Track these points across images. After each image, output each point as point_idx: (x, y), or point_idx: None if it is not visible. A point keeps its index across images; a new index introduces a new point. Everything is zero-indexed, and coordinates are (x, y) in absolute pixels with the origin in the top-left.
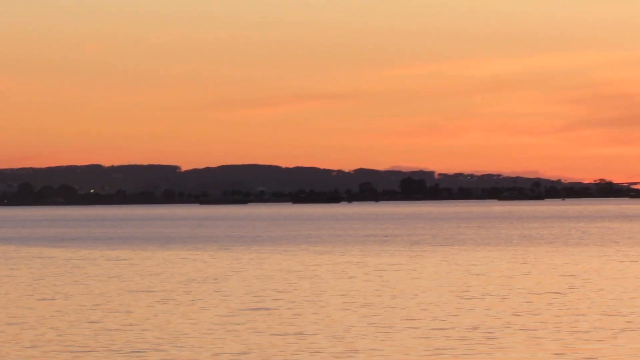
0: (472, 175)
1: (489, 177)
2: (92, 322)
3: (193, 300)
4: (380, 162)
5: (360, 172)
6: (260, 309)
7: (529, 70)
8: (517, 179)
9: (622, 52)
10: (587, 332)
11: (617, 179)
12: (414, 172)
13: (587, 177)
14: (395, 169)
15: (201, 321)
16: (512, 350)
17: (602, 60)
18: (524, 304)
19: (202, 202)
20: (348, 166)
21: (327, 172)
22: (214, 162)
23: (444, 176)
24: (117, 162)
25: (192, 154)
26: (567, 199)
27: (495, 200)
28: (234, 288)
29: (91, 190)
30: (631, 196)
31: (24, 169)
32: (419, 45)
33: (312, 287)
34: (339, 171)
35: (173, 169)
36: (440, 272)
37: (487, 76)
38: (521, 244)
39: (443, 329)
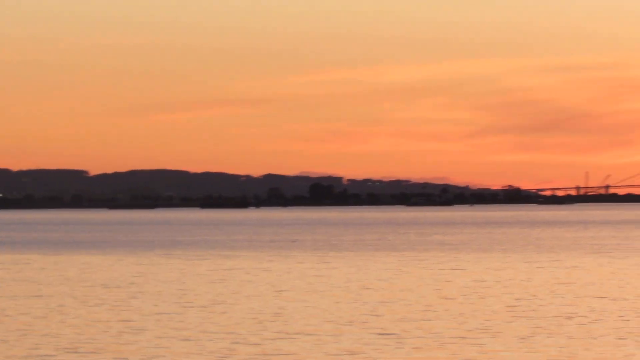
0: (380, 181)
1: (398, 182)
2: None
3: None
4: (289, 167)
5: (269, 177)
6: (158, 313)
7: (438, 77)
8: (425, 185)
9: (530, 59)
10: (495, 336)
11: (525, 185)
12: (322, 178)
13: (495, 183)
14: (304, 175)
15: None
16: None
17: (510, 67)
18: (425, 309)
19: (110, 207)
20: (256, 171)
21: (235, 178)
22: (123, 166)
23: (353, 182)
24: (25, 167)
25: (101, 158)
26: (475, 205)
27: (404, 206)
28: (134, 293)
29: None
30: (539, 202)
31: None
32: (329, 51)
33: (213, 291)
34: (248, 176)
35: (82, 174)
36: (345, 277)
37: (396, 82)
38: (428, 250)
39: (336, 334)
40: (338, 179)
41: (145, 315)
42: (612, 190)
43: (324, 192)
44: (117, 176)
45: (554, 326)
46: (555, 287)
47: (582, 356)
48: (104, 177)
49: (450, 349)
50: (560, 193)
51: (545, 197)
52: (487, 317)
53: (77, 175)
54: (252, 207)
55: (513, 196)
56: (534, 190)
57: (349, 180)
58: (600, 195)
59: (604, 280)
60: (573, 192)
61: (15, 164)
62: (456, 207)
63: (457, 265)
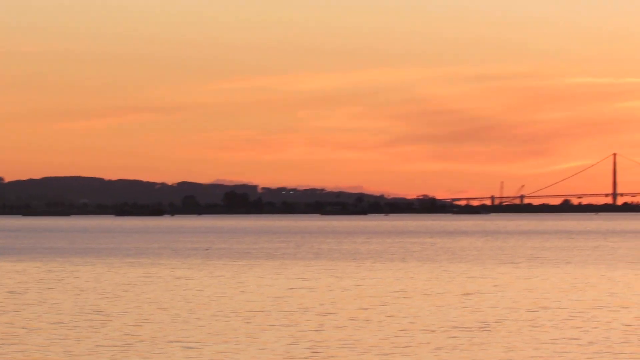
0: (295, 190)
1: (312, 191)
2: None
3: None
4: (204, 175)
5: (184, 185)
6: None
7: (353, 86)
8: (340, 194)
9: (446, 68)
10: (406, 346)
11: (440, 195)
12: (237, 186)
13: (410, 192)
14: (219, 183)
15: None
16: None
17: (426, 76)
18: (341, 318)
19: (25, 214)
20: (171, 179)
21: (150, 185)
22: (38, 173)
23: (267, 190)
24: None
25: (15, 165)
26: (390, 214)
27: (319, 215)
28: (38, 299)
29: None
30: (454, 212)
31: None
32: (244, 59)
33: (119, 300)
34: (162, 184)
35: None
36: (260, 284)
37: (312, 91)
38: (342, 259)
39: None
40: (253, 188)
41: (42, 322)
42: (526, 201)
43: (238, 200)
44: (31, 183)
45: (464, 336)
46: (463, 297)
47: None
48: (18, 184)
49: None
50: (475, 203)
51: (460, 206)
52: (401, 326)
53: None
54: (167, 215)
55: (428, 206)
56: (448, 200)
57: (263, 188)
58: (515, 205)
59: (514, 290)
60: (488, 202)
61: None
62: (371, 216)
63: (372, 274)
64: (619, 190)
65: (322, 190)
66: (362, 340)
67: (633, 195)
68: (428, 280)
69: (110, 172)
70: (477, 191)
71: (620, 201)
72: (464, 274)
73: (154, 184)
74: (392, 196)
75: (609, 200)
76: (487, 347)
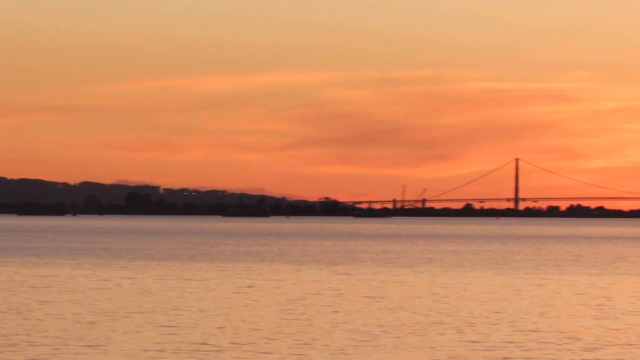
0: (197, 191)
1: (214, 193)
2: None
3: None
4: (106, 175)
5: (86, 185)
6: None
7: (255, 88)
8: (242, 196)
9: (348, 72)
10: (311, 346)
11: (342, 197)
12: (139, 187)
13: (312, 195)
14: (121, 183)
15: None
16: None
17: (328, 79)
18: (248, 319)
19: None
20: (73, 179)
21: (52, 185)
22: None
23: (169, 191)
24: None
25: None
26: (292, 217)
27: (220, 217)
28: None
29: None
30: (355, 215)
31: None
32: (146, 61)
33: (16, 298)
34: (65, 184)
35: None
36: (154, 286)
37: (214, 93)
38: (243, 261)
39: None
40: (155, 188)
41: None
42: (428, 204)
43: (140, 201)
44: None
45: (363, 337)
46: (365, 300)
47: None
48: None
49: None
50: (376, 206)
51: (361, 210)
52: (301, 328)
53: None
54: (69, 215)
55: (330, 208)
56: (350, 203)
57: (165, 189)
58: (417, 209)
59: (413, 294)
60: (389, 206)
61: None
62: (273, 218)
63: (274, 276)
64: (520, 195)
65: (224, 192)
66: (237, 343)
67: (534, 200)
68: (319, 283)
69: (12, 171)
70: (379, 195)
71: (522, 206)
72: (367, 277)
73: (56, 183)
74: (294, 198)
75: (510, 205)
76: (373, 351)
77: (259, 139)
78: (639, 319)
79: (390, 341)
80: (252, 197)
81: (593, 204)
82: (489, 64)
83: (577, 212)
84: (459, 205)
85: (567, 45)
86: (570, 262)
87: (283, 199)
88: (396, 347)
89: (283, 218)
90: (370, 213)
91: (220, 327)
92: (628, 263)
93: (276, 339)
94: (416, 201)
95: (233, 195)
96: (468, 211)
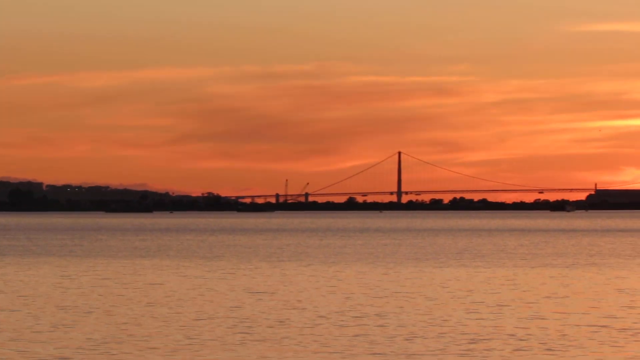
0: (80, 187)
1: (97, 188)
2: None
3: None
4: None
5: None
6: None
7: (138, 83)
8: (125, 191)
9: (230, 67)
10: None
11: (225, 192)
12: (22, 183)
13: (195, 190)
14: (4, 180)
15: None
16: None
17: (210, 74)
18: (130, 314)
19: None
20: None
21: None
22: None
23: (52, 187)
24: None
25: None
26: (175, 212)
27: (103, 212)
28: None
29: None
30: (239, 210)
31: None
32: (28, 57)
33: None
34: None
35: None
36: (46, 283)
37: (96, 88)
38: (127, 256)
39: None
40: (38, 185)
41: None
42: (311, 199)
43: (23, 197)
44: None
45: (226, 333)
46: (253, 295)
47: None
48: None
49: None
50: (260, 200)
51: (244, 204)
52: (184, 323)
53: None
54: None
55: (213, 203)
56: (233, 198)
57: (48, 186)
58: (300, 203)
59: (294, 287)
60: (273, 200)
61: None
62: (156, 213)
63: (154, 272)
64: (403, 189)
65: (107, 187)
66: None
67: (417, 193)
68: (196, 279)
69: None
70: (262, 189)
71: (404, 199)
72: (251, 272)
73: None
74: (177, 194)
75: (393, 198)
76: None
77: (142, 134)
78: (511, 310)
79: (264, 333)
80: (135, 192)
81: (476, 197)
82: (371, 58)
83: (460, 204)
84: (341, 199)
85: (448, 39)
86: (451, 255)
87: (166, 194)
88: (266, 340)
89: (166, 213)
90: (253, 207)
91: (97, 324)
92: (507, 255)
93: (154, 336)
94: (299, 195)
95: (116, 191)
96: (351, 205)
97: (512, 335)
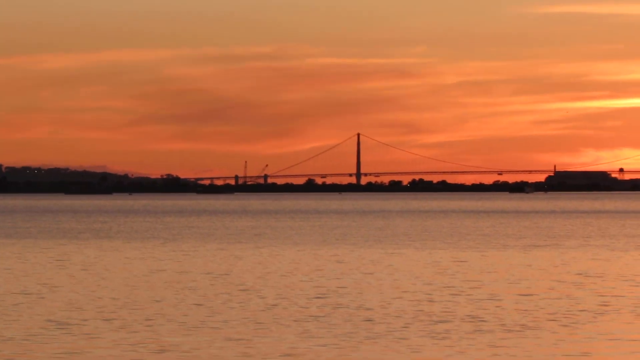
0: (39, 169)
1: (57, 171)
2: None
3: None
4: None
5: None
6: None
7: (97, 66)
8: (84, 173)
9: (190, 49)
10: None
11: (184, 174)
12: None
13: (155, 172)
14: None
15: None
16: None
17: (170, 56)
18: (89, 294)
19: None
20: None
21: None
22: None
23: (11, 169)
24: None
25: None
26: (134, 194)
27: (63, 194)
28: None
29: None
30: (198, 191)
31: None
32: None
33: None
34: None
35: None
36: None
37: (56, 71)
38: (88, 238)
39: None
40: None
41: None
42: (271, 180)
43: None
44: None
45: (176, 314)
46: (208, 276)
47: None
48: None
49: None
50: (219, 182)
51: (204, 186)
52: (144, 304)
53: None
54: None
55: (172, 185)
56: (192, 179)
57: (7, 168)
58: (259, 185)
59: (253, 268)
60: (232, 182)
61: None
62: (115, 195)
63: (114, 253)
64: (362, 170)
65: (66, 169)
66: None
67: (377, 175)
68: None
69: None
70: (222, 171)
71: (364, 181)
72: (209, 253)
73: None
74: (136, 175)
75: (352, 180)
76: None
77: (101, 116)
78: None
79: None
80: (94, 174)
81: (435, 178)
82: (330, 40)
83: (420, 186)
84: (301, 181)
85: (407, 21)
86: (409, 236)
87: (125, 176)
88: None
89: (125, 195)
90: (212, 189)
91: (54, 304)
92: (465, 236)
93: (112, 318)
94: (258, 177)
95: (75, 173)
96: (310, 187)
97: (471, 316)
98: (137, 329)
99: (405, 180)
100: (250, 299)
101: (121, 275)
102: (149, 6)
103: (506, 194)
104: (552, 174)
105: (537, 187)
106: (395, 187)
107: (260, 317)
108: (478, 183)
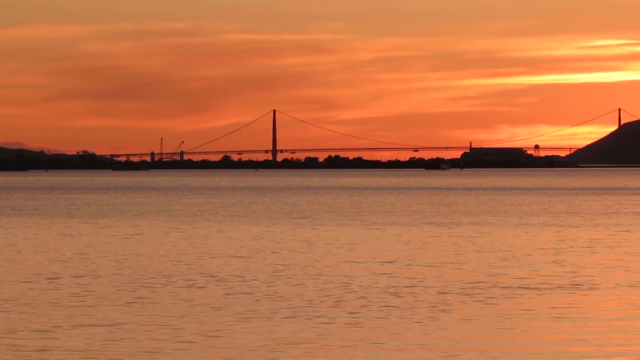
0: None
1: None
2: None
3: None
4: None
5: None
6: None
7: (11, 42)
8: (0, 150)
9: (105, 24)
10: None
11: (100, 150)
12: None
13: (71, 148)
14: None
15: None
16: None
17: (86, 32)
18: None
19: None
20: None
21: None
22: None
23: None
24: None
25: None
26: (50, 170)
27: None
28: None
29: None
30: (114, 168)
31: None
32: None
33: None
34: None
35: None
36: None
37: None
38: (4, 215)
39: None
40: None
41: None
42: (187, 157)
43: None
44: None
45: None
46: (115, 255)
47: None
48: None
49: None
50: (135, 159)
51: (120, 162)
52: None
53: None
54: None
55: (88, 161)
56: (108, 156)
57: None
58: (175, 161)
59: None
60: (148, 158)
61: None
62: (31, 172)
63: (35, 230)
64: (278, 147)
65: None
66: None
67: (292, 151)
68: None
69: None
70: (138, 147)
71: (280, 157)
72: (124, 229)
73: None
74: (52, 152)
75: (268, 156)
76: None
77: (16, 92)
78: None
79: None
80: (9, 151)
81: (351, 155)
82: (245, 16)
83: (335, 163)
84: (217, 158)
85: None
86: (325, 213)
87: (41, 153)
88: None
89: (42, 172)
90: (128, 166)
91: None
92: (382, 213)
93: (34, 296)
94: (174, 154)
95: None
96: (226, 163)
97: (387, 290)
98: (71, 304)
99: (321, 157)
100: (155, 280)
101: (37, 251)
102: None
103: (422, 171)
104: (467, 151)
105: (453, 163)
106: (311, 163)
107: (159, 297)
108: (394, 160)
